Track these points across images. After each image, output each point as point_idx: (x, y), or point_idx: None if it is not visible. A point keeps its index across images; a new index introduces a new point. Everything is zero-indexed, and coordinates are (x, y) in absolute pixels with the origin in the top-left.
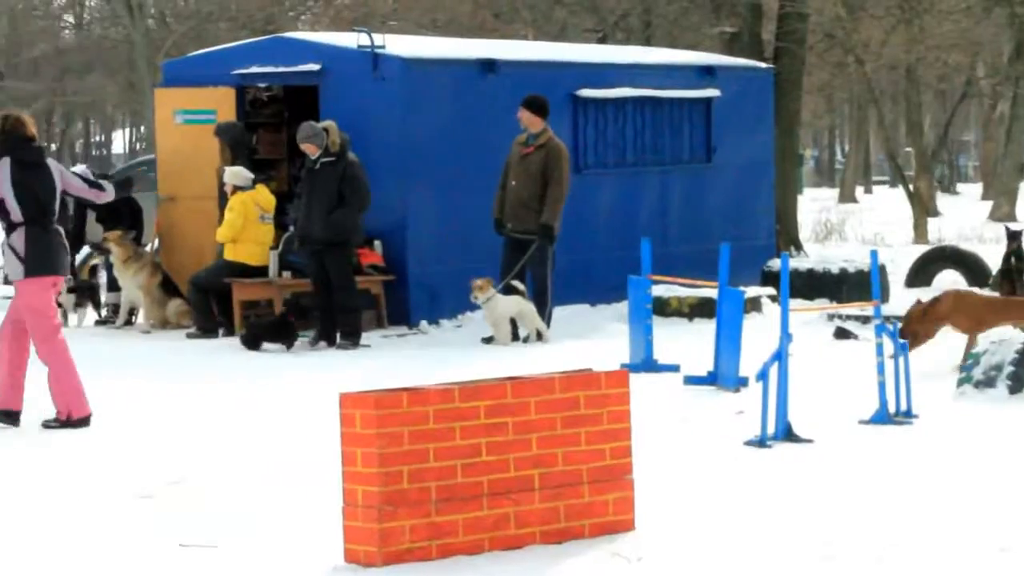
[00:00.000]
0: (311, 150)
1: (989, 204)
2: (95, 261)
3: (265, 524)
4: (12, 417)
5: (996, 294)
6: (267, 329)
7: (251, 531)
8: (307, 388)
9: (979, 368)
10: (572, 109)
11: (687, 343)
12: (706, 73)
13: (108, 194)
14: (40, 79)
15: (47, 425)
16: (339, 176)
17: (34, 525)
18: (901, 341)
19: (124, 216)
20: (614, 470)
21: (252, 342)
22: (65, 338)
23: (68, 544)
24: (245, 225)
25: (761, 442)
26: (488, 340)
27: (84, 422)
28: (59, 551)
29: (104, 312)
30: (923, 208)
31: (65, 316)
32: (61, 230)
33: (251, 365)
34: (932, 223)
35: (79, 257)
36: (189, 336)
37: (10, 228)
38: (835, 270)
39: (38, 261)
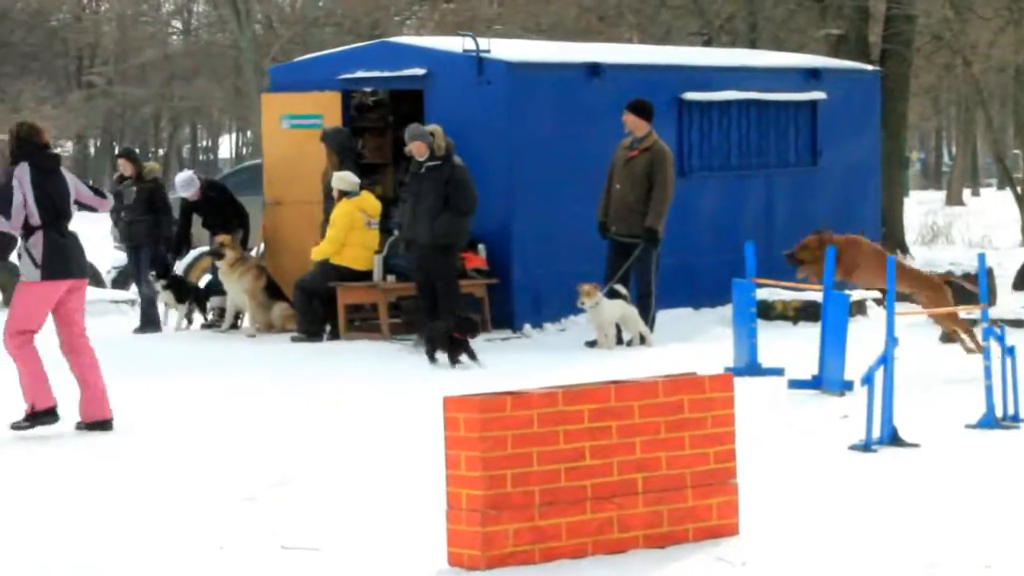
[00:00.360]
0: (420, 149)
1: None
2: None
3: (368, 527)
4: (106, 425)
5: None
6: (442, 341)
7: (353, 534)
8: (410, 391)
9: None
10: (677, 112)
11: (792, 347)
12: (812, 76)
13: (108, 202)
14: (148, 84)
15: (17, 426)
16: (445, 180)
17: (141, 526)
18: (995, 334)
19: (230, 220)
20: (718, 474)
21: (432, 354)
22: (35, 344)
23: (174, 545)
24: (350, 231)
25: (866, 446)
26: (591, 344)
27: (49, 413)
28: (165, 552)
29: (210, 316)
30: None
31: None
32: (77, 234)
33: (354, 369)
34: None
35: (186, 260)
36: (294, 340)
37: (28, 232)
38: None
39: (55, 265)
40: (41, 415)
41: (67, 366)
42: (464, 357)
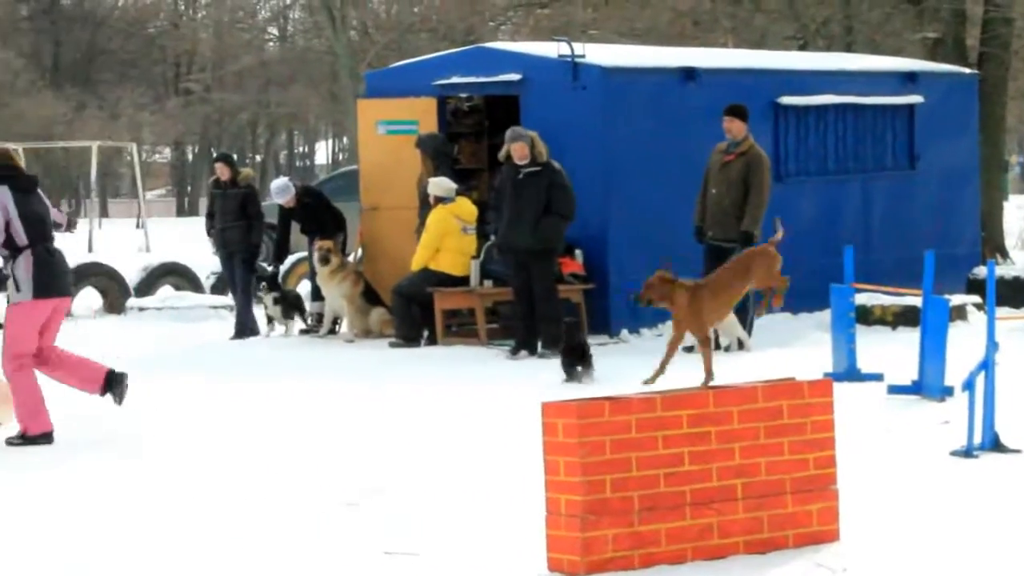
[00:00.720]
0: (521, 152)
1: None
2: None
3: (467, 532)
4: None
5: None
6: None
7: (453, 539)
8: (509, 396)
9: None
10: (773, 117)
11: (891, 352)
12: (909, 79)
13: (71, 227)
14: (245, 91)
15: (11, 442)
16: (546, 185)
17: (244, 531)
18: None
19: (328, 226)
20: (818, 480)
21: (570, 367)
22: (31, 363)
23: (279, 550)
24: (446, 236)
25: (967, 452)
26: (689, 349)
27: (45, 438)
28: (272, 557)
29: (309, 321)
30: None
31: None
32: (62, 252)
33: (452, 374)
34: None
35: (284, 266)
36: (392, 345)
37: (15, 252)
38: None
39: (44, 284)
40: (36, 439)
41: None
42: (546, 350)
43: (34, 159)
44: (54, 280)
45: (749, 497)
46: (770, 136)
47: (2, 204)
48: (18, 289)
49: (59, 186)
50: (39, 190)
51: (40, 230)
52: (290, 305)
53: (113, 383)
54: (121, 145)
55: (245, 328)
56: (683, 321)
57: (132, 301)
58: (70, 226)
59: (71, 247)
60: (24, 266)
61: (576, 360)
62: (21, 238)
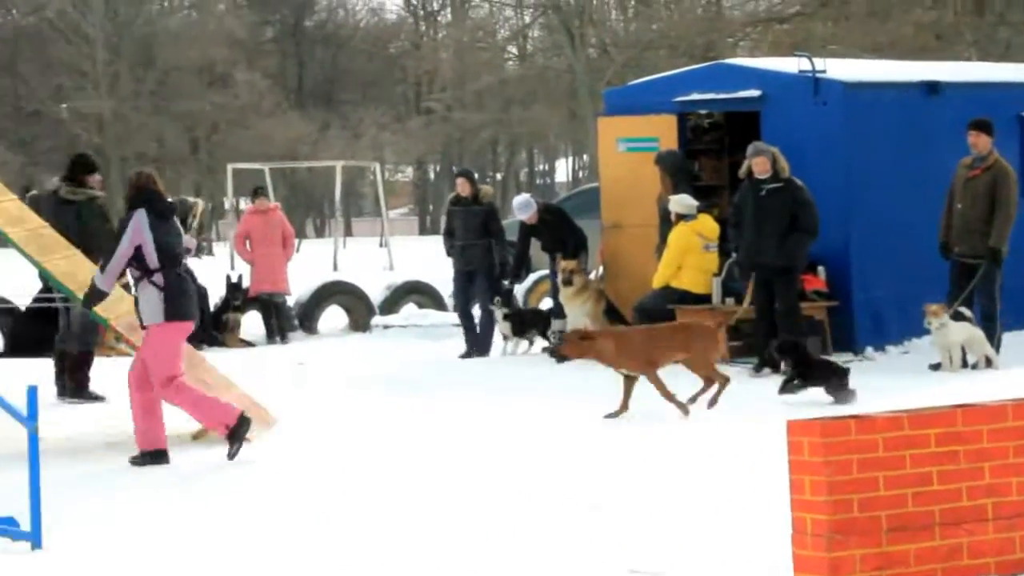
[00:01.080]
0: (763, 166)
1: None
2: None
3: (712, 550)
4: (160, 456)
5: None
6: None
7: (698, 557)
8: (751, 414)
9: None
10: (1019, 131)
11: None
12: None
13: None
14: (485, 110)
15: (233, 445)
16: (789, 201)
17: (473, 555)
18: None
19: (568, 244)
20: None
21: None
22: (183, 375)
23: (520, 566)
24: (687, 254)
25: None
26: (935, 367)
27: (243, 423)
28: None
29: (552, 339)
30: None
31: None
32: (190, 277)
33: (692, 391)
34: None
35: (526, 284)
36: None
37: (145, 275)
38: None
39: (175, 307)
40: (237, 429)
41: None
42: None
43: (279, 179)
44: (184, 304)
45: (1000, 518)
46: (1016, 150)
47: (137, 227)
48: (157, 309)
49: (303, 206)
50: (174, 217)
51: (171, 255)
52: (523, 322)
53: (237, 430)
54: (364, 164)
55: (476, 345)
56: (623, 365)
57: (376, 319)
58: (198, 251)
59: (316, 265)
60: (154, 289)
61: (799, 375)
62: (153, 261)
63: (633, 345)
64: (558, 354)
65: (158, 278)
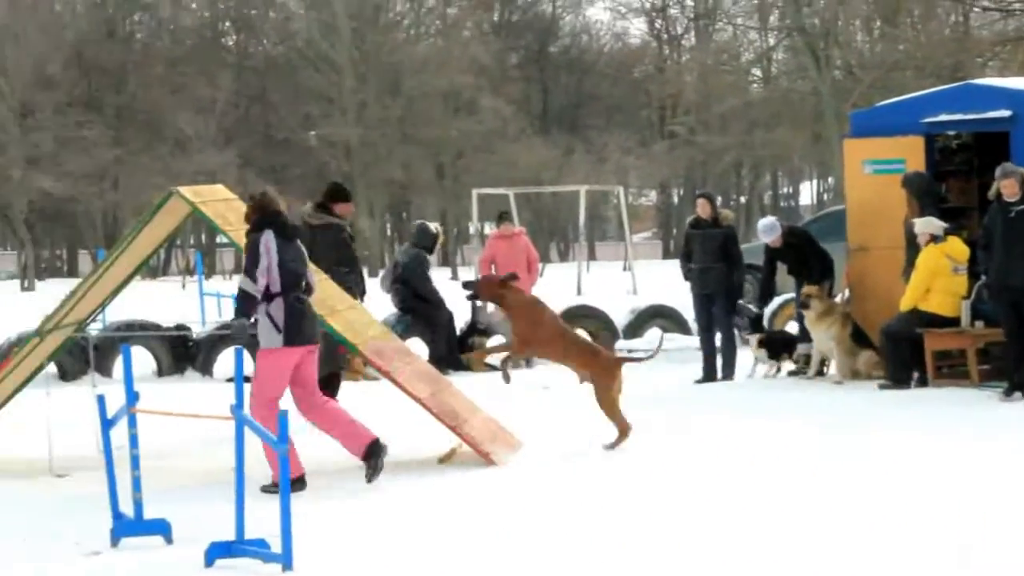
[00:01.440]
0: (1011, 188)
1: None
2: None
3: None
4: (378, 447)
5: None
6: None
7: None
8: (1003, 442)
9: None
10: None
11: None
12: None
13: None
14: (729, 133)
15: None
16: None
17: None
18: None
19: (814, 267)
20: None
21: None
22: (280, 403)
23: None
24: (936, 276)
25: None
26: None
27: (376, 447)
28: None
29: (798, 363)
30: None
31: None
32: (309, 300)
33: (940, 417)
34: None
35: (771, 307)
36: (881, 387)
37: (268, 298)
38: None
39: (296, 331)
40: (372, 451)
41: (311, 426)
42: None
43: (524, 204)
44: (304, 328)
45: None
46: None
47: (267, 247)
48: (276, 333)
49: (548, 230)
50: (298, 241)
51: (294, 279)
52: (778, 346)
53: (374, 453)
54: (608, 189)
55: (729, 369)
56: (509, 330)
57: (621, 343)
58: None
59: (560, 289)
60: (276, 313)
61: None
62: (276, 285)
63: (533, 322)
64: (472, 290)
65: (278, 302)
